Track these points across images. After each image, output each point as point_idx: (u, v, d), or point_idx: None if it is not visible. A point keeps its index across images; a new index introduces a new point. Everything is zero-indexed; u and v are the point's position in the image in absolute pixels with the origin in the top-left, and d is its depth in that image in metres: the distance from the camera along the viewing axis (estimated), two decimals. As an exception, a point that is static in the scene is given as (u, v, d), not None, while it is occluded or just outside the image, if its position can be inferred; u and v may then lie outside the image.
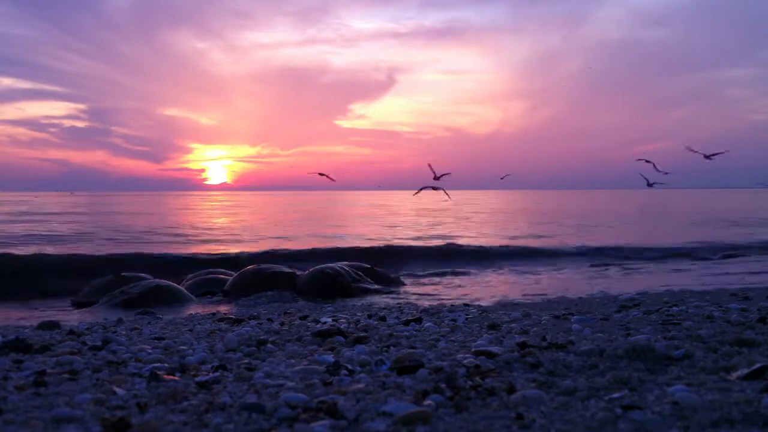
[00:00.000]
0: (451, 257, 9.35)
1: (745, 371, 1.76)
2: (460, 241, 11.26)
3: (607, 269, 8.57)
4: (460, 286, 7.18)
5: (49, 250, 10.28)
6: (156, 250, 9.97)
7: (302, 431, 1.43)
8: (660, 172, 7.14)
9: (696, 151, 6.90)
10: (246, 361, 2.23)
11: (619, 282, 7.16)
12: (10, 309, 5.85)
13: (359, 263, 6.65)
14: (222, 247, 11.24)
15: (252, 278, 5.81)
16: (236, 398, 1.69)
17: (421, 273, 8.17)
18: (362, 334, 2.70)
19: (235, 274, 6.06)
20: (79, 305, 5.27)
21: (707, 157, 6.91)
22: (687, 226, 16.87)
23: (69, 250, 10.01)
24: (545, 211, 28.05)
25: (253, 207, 34.04)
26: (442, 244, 10.74)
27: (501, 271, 8.43)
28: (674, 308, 3.37)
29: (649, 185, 7.20)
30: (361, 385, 1.79)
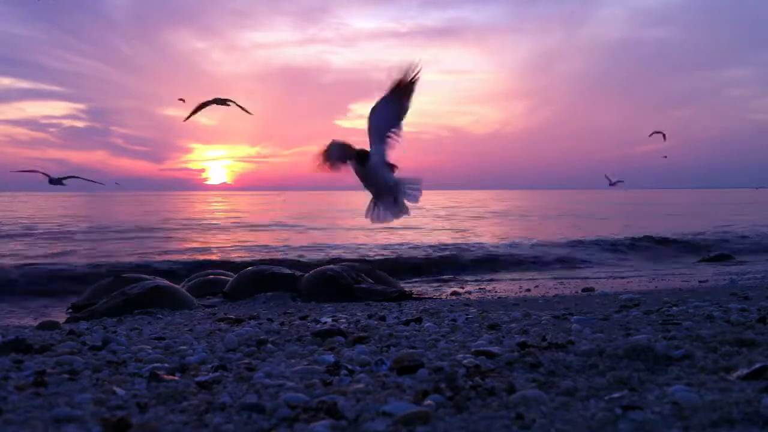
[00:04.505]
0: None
1: (745, 371, 1.75)
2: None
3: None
4: (460, 289, 7.19)
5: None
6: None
7: (302, 431, 1.43)
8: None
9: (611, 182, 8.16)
10: (246, 361, 2.23)
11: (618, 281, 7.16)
12: (9, 310, 5.85)
13: (360, 264, 6.65)
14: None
15: (252, 279, 5.80)
16: (236, 398, 1.69)
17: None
18: (362, 334, 2.70)
19: (235, 275, 6.05)
20: (78, 308, 5.27)
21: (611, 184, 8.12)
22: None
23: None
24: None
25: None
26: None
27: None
28: (674, 308, 3.37)
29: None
30: (361, 385, 1.79)
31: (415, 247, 10.56)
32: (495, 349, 2.23)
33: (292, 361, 2.23)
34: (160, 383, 1.88)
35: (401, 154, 3.34)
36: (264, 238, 13.68)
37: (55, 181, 6.63)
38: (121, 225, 16.91)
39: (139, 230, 15.55)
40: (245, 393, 1.75)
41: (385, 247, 10.99)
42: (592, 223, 16.74)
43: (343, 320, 3.41)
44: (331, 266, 6.14)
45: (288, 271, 6.09)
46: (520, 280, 7.80)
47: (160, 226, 17.02)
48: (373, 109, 3.33)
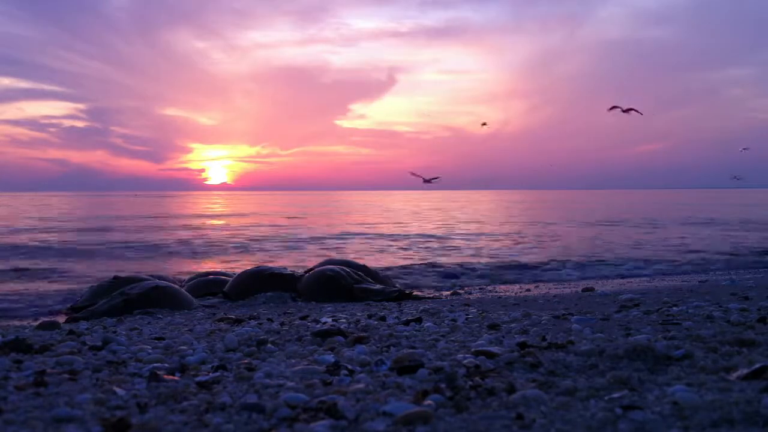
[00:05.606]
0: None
1: (745, 371, 1.76)
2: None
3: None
4: (460, 287, 7.19)
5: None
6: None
7: (302, 431, 1.43)
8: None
9: (417, 176, 8.33)
10: (246, 361, 2.23)
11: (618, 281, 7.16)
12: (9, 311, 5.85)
13: (357, 263, 6.64)
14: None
15: (252, 279, 5.80)
16: (236, 398, 1.69)
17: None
18: (362, 334, 2.70)
19: (235, 276, 6.06)
20: (78, 309, 5.27)
21: (426, 181, 8.21)
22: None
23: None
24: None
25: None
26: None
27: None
28: (674, 308, 3.37)
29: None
30: (361, 385, 1.79)
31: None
32: (495, 349, 2.23)
33: (292, 361, 2.23)
34: (160, 383, 1.88)
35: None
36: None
37: None
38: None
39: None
40: (245, 393, 1.75)
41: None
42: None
43: (343, 320, 3.41)
44: (331, 266, 6.13)
45: (288, 271, 6.09)
46: (520, 280, 7.80)
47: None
48: None
